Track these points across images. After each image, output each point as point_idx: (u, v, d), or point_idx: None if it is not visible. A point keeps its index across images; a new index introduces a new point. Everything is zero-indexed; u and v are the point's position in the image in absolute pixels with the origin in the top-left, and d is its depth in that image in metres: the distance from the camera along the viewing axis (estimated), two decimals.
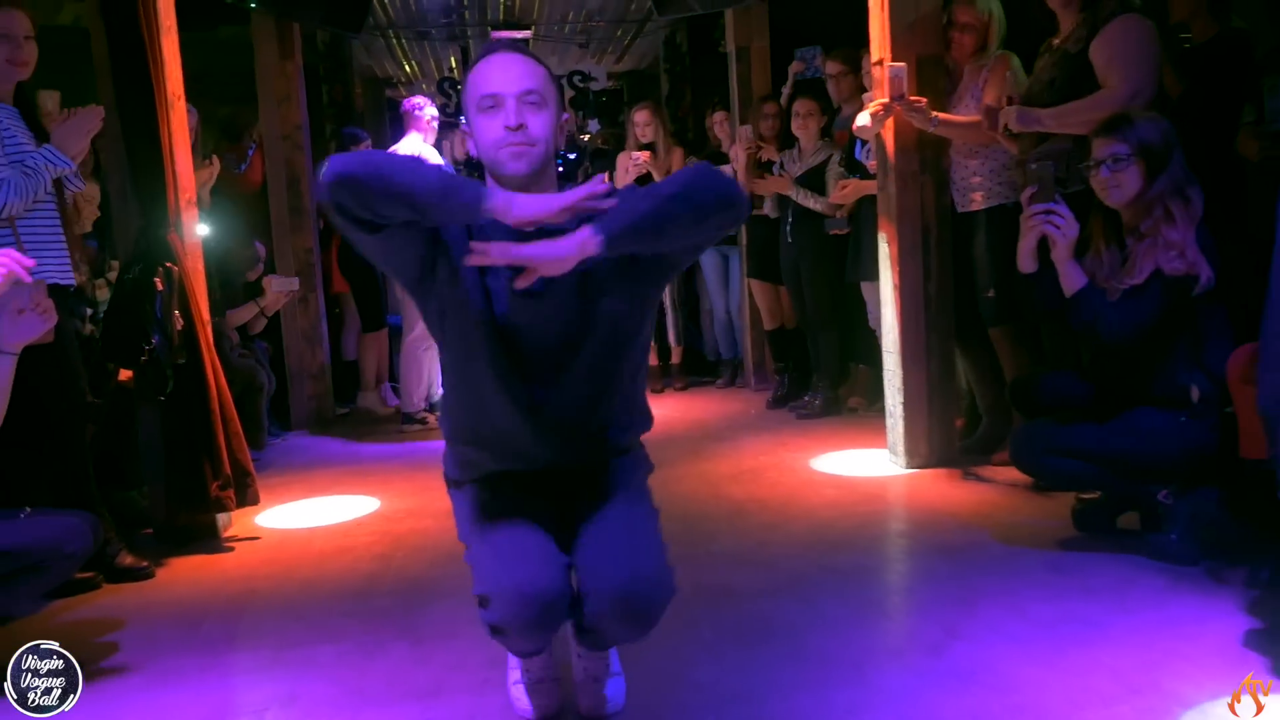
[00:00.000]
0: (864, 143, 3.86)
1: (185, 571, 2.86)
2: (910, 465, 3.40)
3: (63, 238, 2.66)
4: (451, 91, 7.01)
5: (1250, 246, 2.00)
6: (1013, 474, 3.06)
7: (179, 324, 2.93)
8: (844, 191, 3.96)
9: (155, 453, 3.03)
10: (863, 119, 3.43)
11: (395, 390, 5.38)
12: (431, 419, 4.64)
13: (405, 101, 4.72)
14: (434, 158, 4.50)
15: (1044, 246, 2.48)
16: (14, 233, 2.49)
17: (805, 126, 4.33)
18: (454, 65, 7.97)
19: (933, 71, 3.23)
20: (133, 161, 2.99)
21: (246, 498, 3.09)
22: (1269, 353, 1.79)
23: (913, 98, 3.12)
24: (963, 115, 3.24)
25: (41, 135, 2.62)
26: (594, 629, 1.63)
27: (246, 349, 4.40)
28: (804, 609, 2.26)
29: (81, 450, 2.68)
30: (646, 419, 1.82)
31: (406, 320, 4.75)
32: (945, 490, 3.16)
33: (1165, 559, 2.35)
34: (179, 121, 3.06)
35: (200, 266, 3.18)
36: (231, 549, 3.06)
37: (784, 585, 2.42)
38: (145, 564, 2.81)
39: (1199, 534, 2.36)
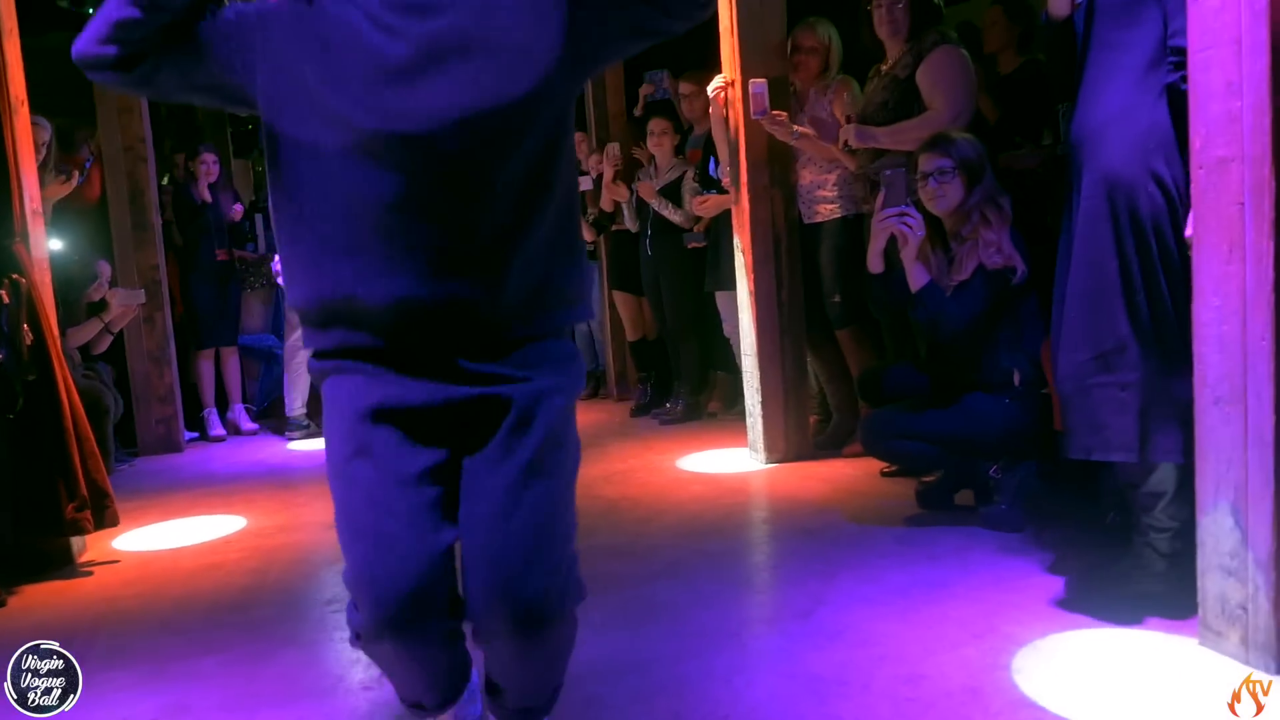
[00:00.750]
0: (716, 160, 4.09)
1: (41, 597, 2.73)
2: (770, 460, 3.62)
3: None
4: None
5: (1050, 247, 2.32)
6: (863, 463, 3.35)
7: (28, 339, 2.81)
8: (705, 206, 4.18)
9: (2, 475, 2.86)
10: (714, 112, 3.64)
11: (249, 411, 5.23)
12: (315, 424, 4.64)
13: None
14: None
15: (889, 249, 2.76)
16: None
17: (660, 144, 4.53)
18: None
19: (780, 92, 3.49)
20: None
21: (105, 519, 2.97)
22: (1060, 338, 2.09)
23: (775, 112, 3.36)
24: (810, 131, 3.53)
25: None
26: (490, 662, 1.41)
27: (90, 370, 4.19)
28: (682, 589, 2.41)
29: None
30: (582, 269, 1.42)
31: (289, 323, 4.79)
32: (802, 480, 3.39)
33: (996, 527, 2.65)
34: (23, 128, 2.94)
35: (48, 279, 3.05)
36: (90, 573, 2.93)
37: (662, 570, 2.57)
38: None
39: (1023, 503, 2.67)
